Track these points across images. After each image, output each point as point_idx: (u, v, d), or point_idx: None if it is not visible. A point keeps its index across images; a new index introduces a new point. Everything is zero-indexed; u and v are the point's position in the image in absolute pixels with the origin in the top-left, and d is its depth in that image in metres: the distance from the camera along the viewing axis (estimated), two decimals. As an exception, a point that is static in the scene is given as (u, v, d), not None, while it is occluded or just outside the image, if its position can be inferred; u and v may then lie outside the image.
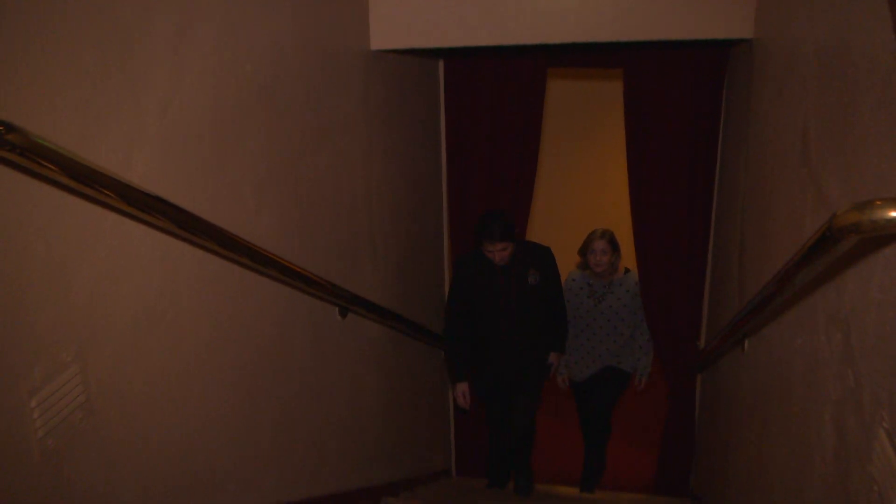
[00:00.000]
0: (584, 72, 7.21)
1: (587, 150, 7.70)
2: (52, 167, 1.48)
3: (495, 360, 4.56)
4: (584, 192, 7.72)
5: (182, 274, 2.16)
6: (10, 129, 1.36)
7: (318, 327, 3.22)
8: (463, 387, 4.54)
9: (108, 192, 1.65)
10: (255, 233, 2.52)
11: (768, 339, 2.87)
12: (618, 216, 6.35)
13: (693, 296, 4.85)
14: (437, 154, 5.25)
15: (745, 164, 3.70)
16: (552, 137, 7.34)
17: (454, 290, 4.43)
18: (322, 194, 3.18)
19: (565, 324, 4.78)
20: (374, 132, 3.89)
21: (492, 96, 4.93)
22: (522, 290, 4.33)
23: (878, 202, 1.43)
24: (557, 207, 7.67)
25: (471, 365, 4.59)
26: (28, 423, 1.61)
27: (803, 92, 2.59)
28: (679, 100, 4.62)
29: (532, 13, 3.67)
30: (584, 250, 4.75)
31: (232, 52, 2.39)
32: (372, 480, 3.98)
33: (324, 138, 3.17)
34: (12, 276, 1.55)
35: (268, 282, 2.69)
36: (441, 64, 5.11)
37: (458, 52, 4.86)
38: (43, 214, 1.61)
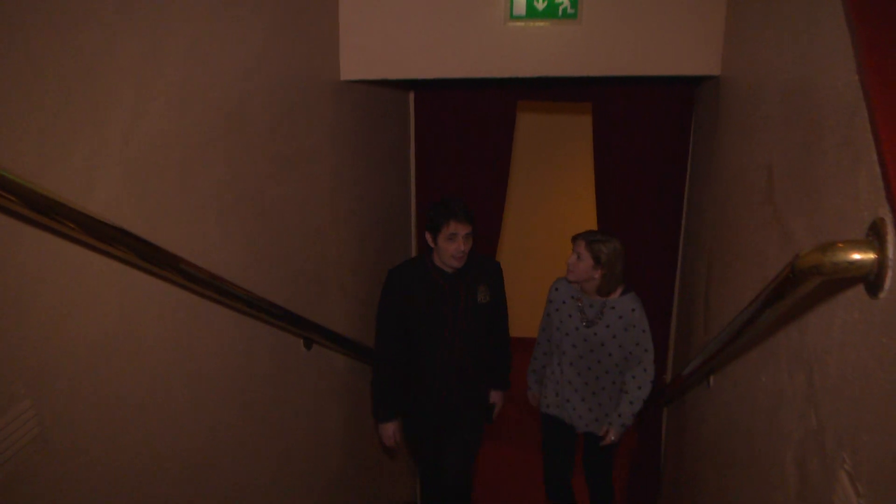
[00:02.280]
0: (554, 105, 7.26)
1: (556, 182, 7.74)
2: (10, 197, 1.44)
3: (429, 396, 3.80)
4: (552, 223, 7.74)
5: (142, 305, 2.12)
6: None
7: (283, 359, 3.17)
8: (391, 427, 3.80)
9: (67, 223, 1.61)
10: (219, 263, 2.48)
11: (733, 377, 2.88)
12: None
13: (659, 329, 4.86)
14: (406, 183, 5.24)
15: (711, 200, 3.73)
16: (522, 169, 7.37)
17: (385, 311, 3.65)
18: (288, 223, 3.16)
19: (510, 355, 4.04)
20: (343, 161, 3.88)
21: (462, 128, 4.94)
22: (471, 311, 3.65)
23: (840, 244, 1.44)
24: (526, 239, 7.68)
25: (401, 401, 3.85)
26: (-24, 458, 1.56)
27: (768, 129, 2.62)
28: (647, 134, 4.66)
29: (502, 47, 3.69)
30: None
31: (198, 79, 2.37)
32: (335, 514, 3.92)
33: (291, 167, 3.15)
34: (-36, 307, 1.51)
35: (231, 313, 2.65)
36: (411, 95, 5.12)
37: (428, 84, 4.87)
38: (-2, 244, 1.58)
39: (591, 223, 5.42)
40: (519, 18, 3.61)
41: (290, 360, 3.26)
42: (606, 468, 4.17)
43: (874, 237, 1.46)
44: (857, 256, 1.44)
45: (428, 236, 3.52)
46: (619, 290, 3.72)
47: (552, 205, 7.76)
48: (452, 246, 3.44)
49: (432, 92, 4.98)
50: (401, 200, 5.11)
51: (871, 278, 1.48)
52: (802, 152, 2.19)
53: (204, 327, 2.50)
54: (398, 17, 3.68)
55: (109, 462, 2.00)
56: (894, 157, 1.48)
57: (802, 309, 2.01)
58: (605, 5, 3.60)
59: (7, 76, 1.56)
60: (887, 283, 1.44)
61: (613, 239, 3.64)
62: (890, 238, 1.42)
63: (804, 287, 1.61)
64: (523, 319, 6.06)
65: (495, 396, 4.12)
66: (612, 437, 3.83)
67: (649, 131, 4.65)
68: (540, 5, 3.56)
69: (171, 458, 2.32)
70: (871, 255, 1.43)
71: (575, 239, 3.70)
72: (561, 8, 3.57)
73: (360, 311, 4.26)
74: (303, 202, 3.32)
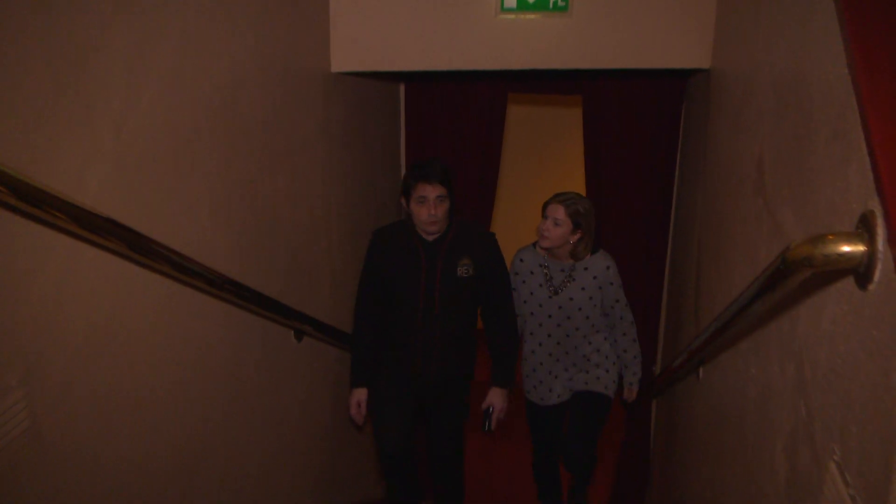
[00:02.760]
0: (545, 98, 7.26)
1: (547, 174, 7.74)
2: (1, 188, 1.44)
3: (401, 365, 3.58)
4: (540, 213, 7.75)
5: (134, 296, 2.12)
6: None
7: (274, 350, 3.18)
8: (359, 394, 3.58)
9: (58, 214, 1.61)
10: (211, 254, 2.48)
11: (723, 368, 2.89)
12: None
13: (649, 320, 4.88)
14: (398, 175, 5.24)
15: (701, 192, 3.74)
16: (512, 161, 7.37)
17: (365, 270, 3.55)
18: (280, 216, 3.15)
19: (515, 343, 3.65)
20: (334, 153, 3.87)
21: (452, 120, 4.94)
22: (449, 284, 3.38)
23: (831, 236, 1.45)
24: (517, 230, 7.69)
25: (374, 367, 3.63)
26: (-31, 450, 1.56)
27: (759, 122, 2.63)
28: (637, 127, 4.67)
29: (492, 39, 3.69)
30: (543, 207, 3.64)
31: (190, 71, 2.36)
32: (326, 505, 3.93)
33: (282, 159, 3.15)
34: (-44, 299, 1.51)
35: (223, 304, 2.65)
36: (402, 87, 5.11)
37: (418, 76, 4.86)
38: (-11, 235, 1.57)
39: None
40: (510, 11, 3.61)
41: (281, 352, 3.26)
42: (594, 430, 3.87)
43: (864, 229, 1.47)
44: (847, 248, 1.44)
45: (402, 201, 3.35)
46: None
47: (543, 197, 7.77)
48: (423, 210, 3.25)
49: (423, 84, 4.98)
50: (392, 193, 5.11)
51: (860, 270, 1.49)
52: (793, 145, 2.20)
53: (196, 319, 2.49)
54: (389, 8, 3.68)
55: (102, 455, 2.00)
56: (884, 150, 1.49)
57: (793, 301, 2.02)
58: (597, -2, 3.61)
59: (-2, 67, 1.56)
60: (877, 276, 1.45)
61: (584, 198, 3.56)
62: (879, 230, 1.43)
63: (794, 279, 1.62)
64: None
65: (494, 395, 3.60)
66: (634, 394, 3.95)
67: (639, 124, 4.66)
68: (531, -2, 3.56)
69: (164, 451, 2.32)
70: (860, 248, 1.44)
71: (548, 204, 3.55)
72: (552, 0, 3.57)
73: (352, 303, 4.27)
74: (294, 195, 3.32)
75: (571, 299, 3.63)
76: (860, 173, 1.63)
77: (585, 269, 3.61)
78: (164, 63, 2.21)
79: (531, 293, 3.72)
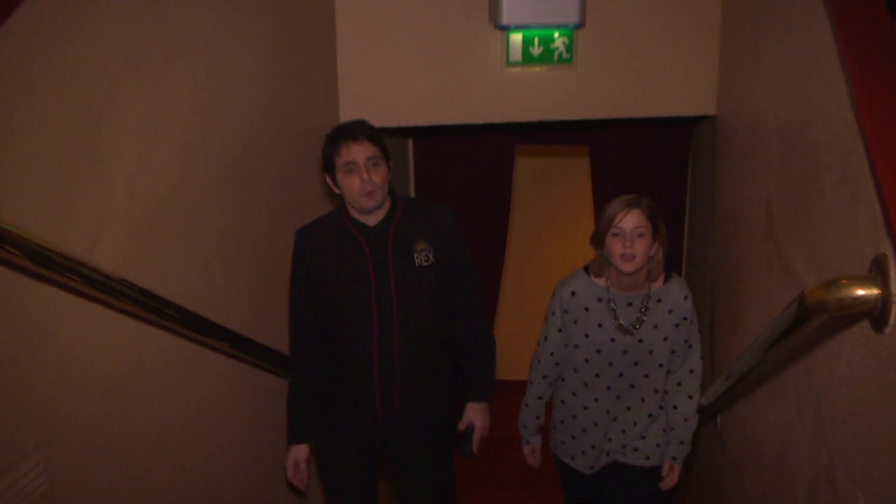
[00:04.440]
0: (554, 149, 7.31)
1: (556, 224, 7.76)
2: (14, 251, 1.45)
3: (359, 409, 2.66)
4: (552, 265, 7.75)
5: (148, 357, 2.12)
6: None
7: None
8: (297, 452, 2.69)
9: (72, 276, 1.62)
10: (224, 312, 2.48)
11: (741, 415, 2.86)
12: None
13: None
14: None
15: (712, 237, 3.74)
16: (522, 212, 7.40)
17: (294, 288, 2.65)
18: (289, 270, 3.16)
19: (491, 346, 2.81)
20: (344, 209, 3.90)
21: (461, 173, 4.97)
22: (406, 278, 2.55)
23: (844, 281, 1.45)
24: (526, 282, 7.68)
25: (321, 414, 2.72)
26: (-16, 515, 1.55)
27: (766, 167, 2.64)
28: (645, 174, 4.69)
29: (499, 92, 3.73)
30: (601, 230, 2.62)
31: (201, 130, 2.40)
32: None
33: (293, 214, 3.17)
34: (-29, 363, 1.51)
35: (237, 362, 2.65)
36: (410, 142, 5.16)
37: (426, 130, 4.91)
38: (4, 298, 1.58)
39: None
40: (515, 64, 3.65)
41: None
42: None
43: (877, 273, 1.47)
44: (861, 292, 1.44)
45: (329, 182, 2.57)
46: (660, 277, 2.71)
47: (553, 247, 7.77)
48: (354, 180, 2.45)
49: (431, 138, 5.02)
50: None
51: (875, 314, 1.48)
52: (801, 189, 2.21)
53: (212, 377, 2.49)
54: (397, 64, 3.73)
55: (116, 516, 1.99)
56: (893, 193, 1.49)
57: (809, 345, 2.01)
58: (600, 49, 3.65)
59: (12, 128, 1.58)
60: (892, 319, 1.44)
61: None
62: (892, 273, 1.43)
63: (810, 324, 1.61)
64: (525, 361, 6.03)
65: (473, 412, 2.79)
66: (676, 477, 2.86)
67: (647, 172, 4.68)
68: (535, 51, 3.60)
69: (178, 511, 2.30)
70: (874, 291, 1.44)
71: (616, 213, 2.56)
72: (556, 53, 3.62)
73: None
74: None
75: (641, 341, 2.68)
76: (869, 216, 1.63)
77: (659, 300, 2.67)
78: (178, 125, 2.25)
79: (585, 335, 2.72)
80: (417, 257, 2.56)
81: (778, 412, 2.32)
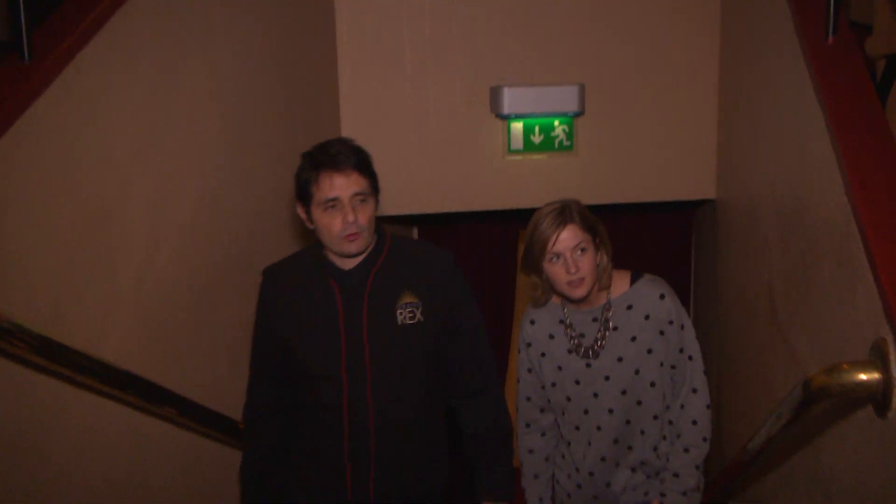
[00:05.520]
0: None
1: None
2: (22, 345, 1.47)
3: (329, 488, 2.12)
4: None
5: (153, 451, 2.12)
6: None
7: None
8: None
9: (79, 371, 1.64)
10: (230, 401, 2.48)
11: (752, 501, 2.82)
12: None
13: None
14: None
15: (715, 320, 3.75)
16: (524, 299, 7.40)
17: (256, 338, 2.16)
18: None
19: (508, 431, 2.22)
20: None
21: (465, 260, 4.99)
22: (382, 337, 2.04)
23: (845, 366, 1.46)
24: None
25: (279, 491, 2.18)
26: None
27: (767, 250, 2.67)
28: (647, 257, 4.70)
29: (501, 180, 3.78)
30: (535, 256, 2.15)
31: (208, 222, 2.43)
32: None
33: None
34: (-23, 458, 1.52)
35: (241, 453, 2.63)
36: (415, 229, 5.21)
37: (430, 218, 4.96)
38: (13, 392, 1.59)
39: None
40: (517, 152, 3.71)
41: None
42: None
43: (877, 357, 1.48)
44: (862, 377, 1.45)
45: (301, 213, 2.05)
46: (621, 276, 2.26)
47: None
48: (335, 219, 1.95)
49: (435, 226, 5.07)
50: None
51: (878, 398, 1.48)
52: (801, 272, 2.23)
53: (216, 471, 2.48)
54: (399, 155, 3.79)
55: None
56: (890, 278, 1.51)
57: (816, 429, 2.00)
58: (601, 136, 3.72)
59: (22, 223, 1.62)
60: (894, 403, 1.44)
61: (567, 200, 2.21)
62: (892, 357, 1.44)
63: (814, 409, 1.61)
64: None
65: None
66: None
67: (650, 255, 4.70)
68: (537, 139, 3.67)
69: None
70: (875, 376, 1.44)
71: (550, 235, 2.09)
72: (557, 141, 3.68)
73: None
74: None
75: (620, 360, 2.19)
76: (868, 300, 1.64)
77: (629, 307, 2.21)
78: (185, 216, 2.29)
79: (558, 368, 2.27)
80: (401, 314, 2.05)
81: (787, 498, 2.29)
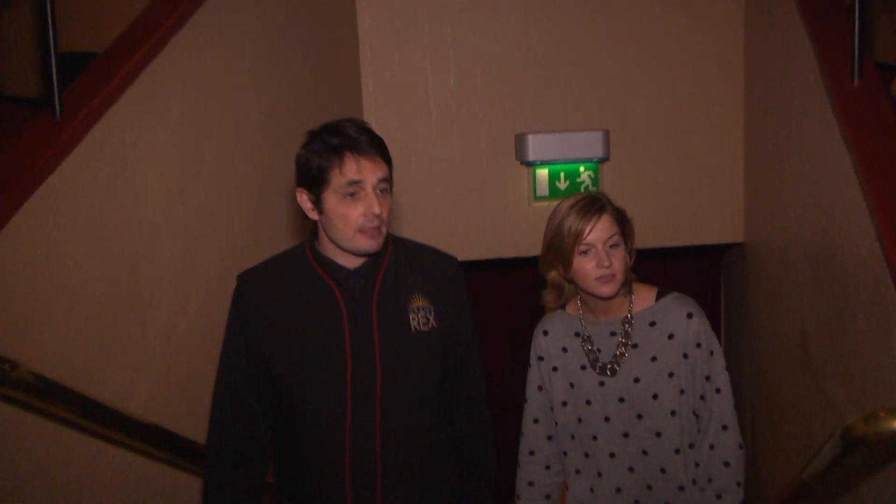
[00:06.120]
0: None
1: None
2: (55, 402, 1.48)
3: None
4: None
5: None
6: (14, 367, 1.38)
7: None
8: None
9: (109, 426, 1.65)
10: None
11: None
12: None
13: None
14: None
15: (748, 361, 3.70)
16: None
17: (226, 357, 1.81)
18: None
19: (491, 452, 1.99)
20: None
21: (491, 309, 4.97)
22: (399, 344, 1.78)
23: (882, 414, 1.43)
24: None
25: None
26: None
27: (798, 295, 2.64)
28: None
29: (527, 227, 3.76)
30: (563, 249, 1.97)
31: (236, 273, 2.44)
32: None
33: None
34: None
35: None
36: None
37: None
38: (44, 452, 1.60)
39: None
40: (542, 199, 3.72)
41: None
42: None
43: (916, 404, 1.45)
44: (900, 425, 1.42)
45: (304, 200, 1.75)
46: (646, 290, 2.12)
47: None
48: (356, 209, 1.69)
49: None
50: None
51: (917, 446, 1.45)
52: (834, 318, 2.20)
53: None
54: (425, 204, 3.81)
55: None
56: (926, 323, 1.49)
57: (855, 478, 1.96)
58: (626, 181, 3.72)
59: (54, 277, 1.64)
60: (936, 451, 1.41)
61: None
62: (932, 404, 1.41)
63: (853, 458, 1.58)
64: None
65: None
66: None
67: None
68: (562, 185, 3.67)
69: None
70: (913, 424, 1.41)
71: (579, 224, 1.93)
72: (583, 186, 3.68)
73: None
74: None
75: (637, 381, 1.99)
76: (904, 346, 1.62)
77: (652, 323, 2.02)
78: (212, 267, 2.30)
79: (570, 385, 2.07)
80: (414, 318, 1.79)
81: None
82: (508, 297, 4.99)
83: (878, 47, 2.87)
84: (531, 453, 2.13)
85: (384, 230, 1.72)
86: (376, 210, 1.67)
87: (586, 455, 2.05)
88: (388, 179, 1.73)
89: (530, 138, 3.54)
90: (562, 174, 3.68)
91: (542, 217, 3.72)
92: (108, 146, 1.82)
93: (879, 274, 1.79)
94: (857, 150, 2.00)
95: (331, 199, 1.68)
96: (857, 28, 2.11)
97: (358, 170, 1.66)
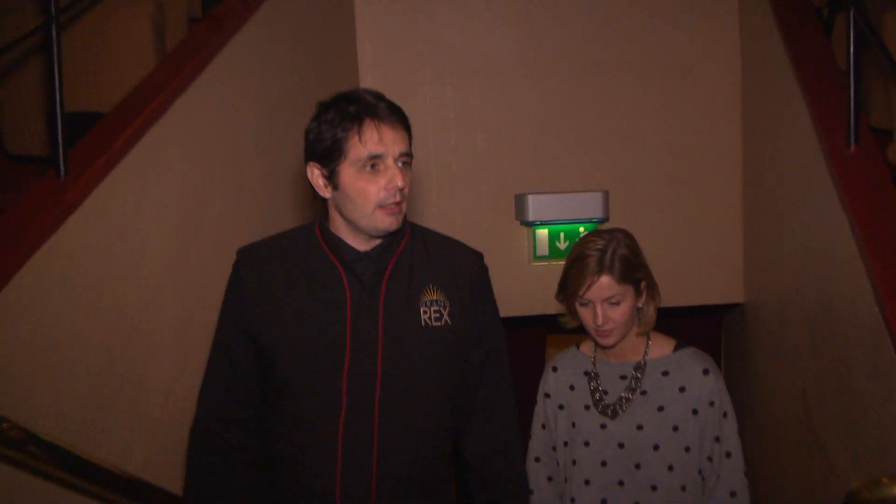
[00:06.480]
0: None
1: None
2: (50, 462, 1.47)
3: None
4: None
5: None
6: (11, 427, 1.38)
7: None
8: None
9: (105, 487, 1.63)
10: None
11: None
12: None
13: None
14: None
15: (749, 424, 3.67)
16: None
17: (221, 334, 1.68)
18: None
19: (521, 456, 1.83)
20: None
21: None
22: (404, 338, 1.62)
23: (885, 480, 1.41)
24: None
25: None
26: None
27: (798, 356, 2.63)
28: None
29: (527, 286, 3.78)
30: (567, 293, 1.95)
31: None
32: None
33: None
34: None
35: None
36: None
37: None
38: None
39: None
40: (542, 259, 3.73)
41: None
42: None
43: (918, 469, 1.44)
44: (903, 491, 1.40)
45: (315, 176, 1.61)
46: (664, 341, 2.02)
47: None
48: (378, 182, 1.55)
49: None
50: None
51: (921, 512, 1.43)
52: (835, 381, 2.19)
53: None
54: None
55: None
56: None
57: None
58: (625, 241, 3.73)
59: (52, 340, 1.64)
60: (939, 517, 1.39)
61: (615, 232, 2.02)
62: (934, 470, 1.40)
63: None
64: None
65: None
66: None
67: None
68: (562, 245, 3.69)
69: None
70: (917, 489, 1.40)
71: (579, 283, 1.88)
72: (583, 246, 3.70)
73: None
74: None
75: (640, 428, 1.91)
76: (905, 410, 1.61)
77: (665, 373, 1.94)
78: (211, 330, 2.29)
79: (572, 424, 1.99)
80: (425, 311, 1.64)
81: None
82: (509, 356, 4.95)
83: (872, 112, 2.90)
84: (530, 493, 2.00)
85: (405, 207, 1.58)
86: (399, 183, 1.53)
87: (572, 500, 1.95)
88: (411, 154, 1.59)
89: (530, 199, 3.56)
90: (562, 234, 3.70)
91: (542, 276, 3.76)
92: (110, 206, 1.84)
93: (879, 337, 1.79)
94: (855, 214, 2.01)
95: (348, 173, 1.55)
96: (852, 95, 2.15)
97: (380, 139, 1.53)
